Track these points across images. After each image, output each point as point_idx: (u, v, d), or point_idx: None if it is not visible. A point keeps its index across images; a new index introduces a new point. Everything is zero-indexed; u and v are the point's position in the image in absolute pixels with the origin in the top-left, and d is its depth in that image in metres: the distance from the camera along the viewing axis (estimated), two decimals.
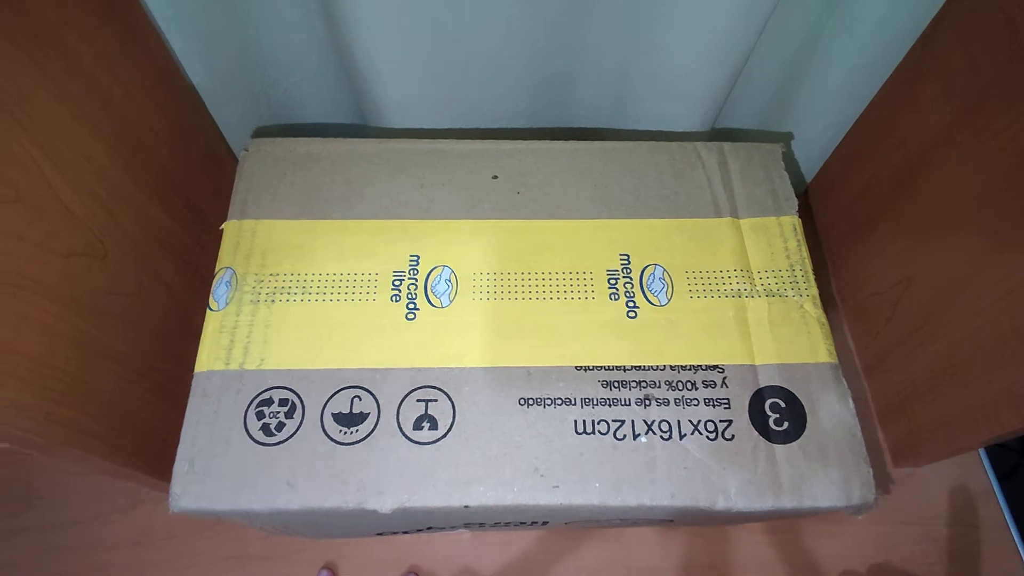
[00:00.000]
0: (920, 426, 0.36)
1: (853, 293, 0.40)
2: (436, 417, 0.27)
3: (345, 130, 0.43)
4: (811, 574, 0.37)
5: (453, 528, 0.35)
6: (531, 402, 0.28)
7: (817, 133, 0.42)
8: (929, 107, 0.33)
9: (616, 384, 0.28)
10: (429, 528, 0.33)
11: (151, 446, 0.32)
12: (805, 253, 0.32)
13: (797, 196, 0.33)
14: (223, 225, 0.31)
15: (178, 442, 0.33)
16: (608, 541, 0.38)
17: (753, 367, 0.29)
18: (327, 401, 0.27)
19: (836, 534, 0.38)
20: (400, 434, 0.27)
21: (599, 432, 0.27)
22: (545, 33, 0.34)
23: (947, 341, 0.33)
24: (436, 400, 0.28)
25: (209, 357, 0.28)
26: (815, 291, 0.31)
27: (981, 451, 0.41)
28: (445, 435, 0.27)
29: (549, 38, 0.34)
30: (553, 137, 0.35)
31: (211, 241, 0.37)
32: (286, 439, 0.27)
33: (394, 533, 0.34)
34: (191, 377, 0.35)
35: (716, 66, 0.34)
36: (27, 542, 0.37)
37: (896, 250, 0.37)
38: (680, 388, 0.28)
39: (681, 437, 0.27)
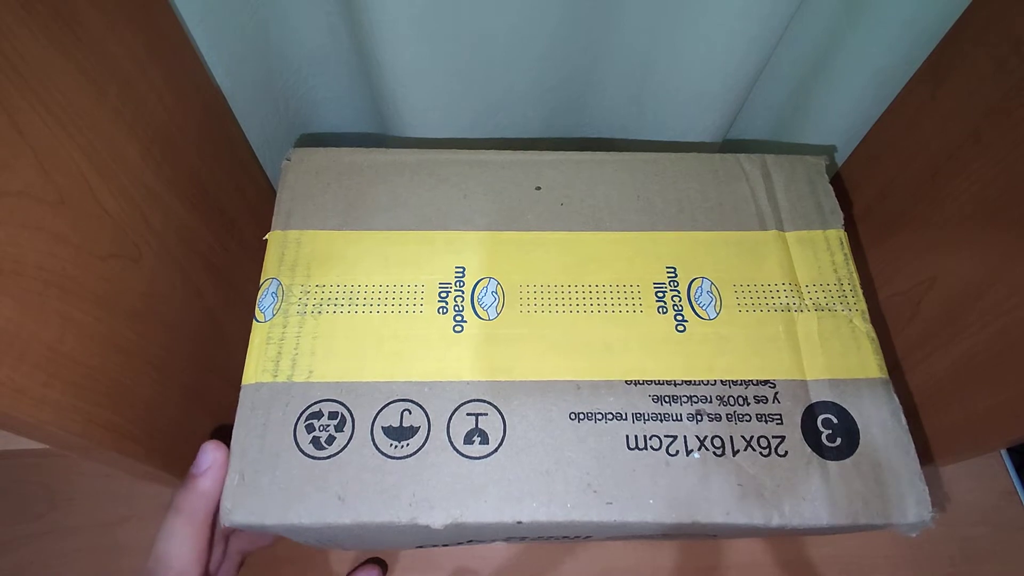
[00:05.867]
0: (942, 426, 0.36)
1: (873, 294, 0.40)
2: (486, 431, 0.27)
3: (363, 139, 0.43)
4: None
5: (493, 541, 0.35)
6: (582, 417, 0.28)
7: (834, 138, 0.42)
8: (953, 109, 0.33)
9: (667, 399, 0.28)
10: (470, 541, 0.33)
11: (182, 450, 0.32)
12: (852, 267, 0.31)
13: None
14: (267, 235, 0.31)
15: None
16: (598, 542, 0.37)
17: (804, 382, 0.29)
18: (377, 414, 0.27)
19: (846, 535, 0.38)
20: (451, 448, 0.27)
21: (651, 448, 0.27)
22: (570, 33, 0.34)
23: (972, 340, 0.32)
24: (486, 414, 0.27)
25: (256, 369, 0.28)
26: (863, 305, 0.30)
27: (1003, 451, 0.41)
28: (496, 450, 0.27)
29: (574, 39, 0.34)
30: (568, 147, 0.35)
31: (236, 244, 0.37)
32: (336, 452, 0.26)
33: (434, 546, 0.34)
34: (218, 380, 0.35)
35: (739, 68, 0.34)
36: (49, 545, 0.37)
37: (919, 251, 0.37)
38: (731, 403, 0.28)
39: (734, 453, 0.27)
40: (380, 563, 0.36)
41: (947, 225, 0.34)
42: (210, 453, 0.27)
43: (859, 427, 0.28)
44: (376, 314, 0.29)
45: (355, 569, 0.35)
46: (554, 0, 0.32)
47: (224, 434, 0.28)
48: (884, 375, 0.29)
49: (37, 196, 0.22)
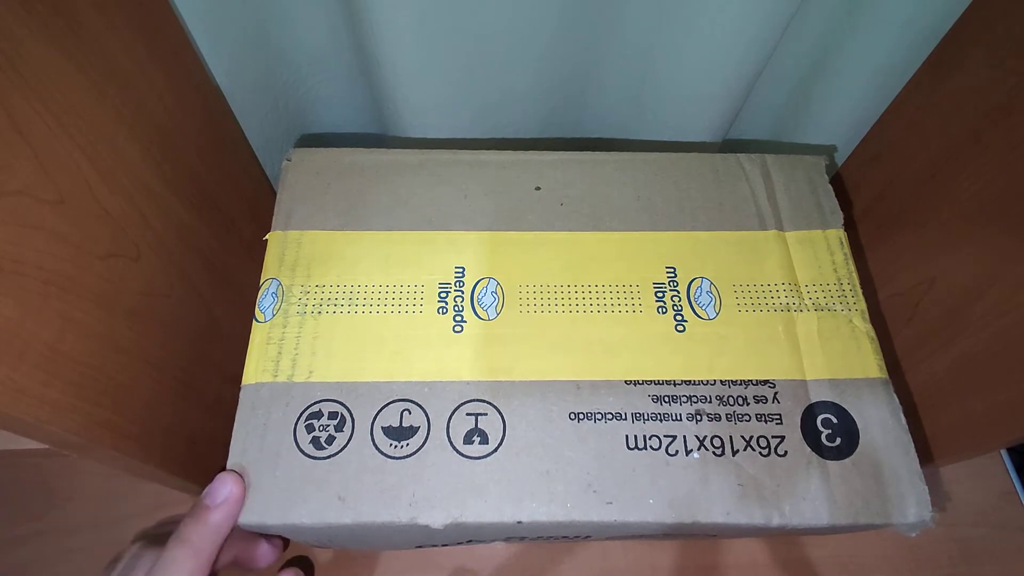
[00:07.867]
0: (942, 426, 0.36)
1: (873, 294, 0.40)
2: (486, 431, 0.27)
3: (363, 139, 0.43)
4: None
5: (492, 541, 0.35)
6: (581, 416, 0.28)
7: (834, 138, 0.42)
8: (954, 108, 0.33)
9: (667, 399, 0.28)
10: (469, 541, 0.33)
11: (179, 449, 0.32)
12: (852, 267, 0.31)
13: None
14: (267, 236, 0.31)
15: (205, 445, 0.33)
16: (598, 542, 0.37)
17: (804, 382, 0.29)
18: (376, 414, 0.27)
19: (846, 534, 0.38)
20: (451, 448, 0.27)
21: (651, 447, 0.27)
22: (570, 33, 0.34)
23: (971, 341, 0.32)
24: (486, 414, 0.27)
25: (256, 369, 0.28)
26: (863, 305, 0.31)
27: (1003, 451, 0.41)
28: (496, 450, 0.27)
29: (574, 38, 0.34)
30: (567, 147, 0.35)
31: (236, 244, 0.37)
32: (336, 452, 0.26)
33: (433, 546, 0.34)
34: (217, 379, 0.35)
35: (739, 68, 0.34)
36: (49, 544, 0.37)
37: (918, 251, 0.37)
38: (731, 403, 0.28)
39: (734, 453, 0.27)
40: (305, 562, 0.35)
41: (947, 225, 0.34)
42: (228, 485, 0.25)
43: (859, 427, 0.28)
44: (376, 314, 0.29)
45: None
46: (554, 0, 0.32)
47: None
48: (884, 375, 0.29)
49: (37, 196, 0.22)
